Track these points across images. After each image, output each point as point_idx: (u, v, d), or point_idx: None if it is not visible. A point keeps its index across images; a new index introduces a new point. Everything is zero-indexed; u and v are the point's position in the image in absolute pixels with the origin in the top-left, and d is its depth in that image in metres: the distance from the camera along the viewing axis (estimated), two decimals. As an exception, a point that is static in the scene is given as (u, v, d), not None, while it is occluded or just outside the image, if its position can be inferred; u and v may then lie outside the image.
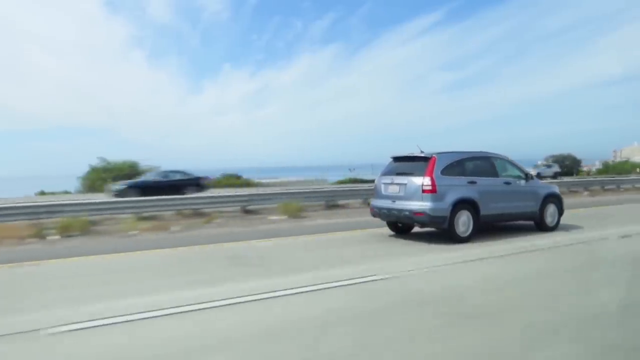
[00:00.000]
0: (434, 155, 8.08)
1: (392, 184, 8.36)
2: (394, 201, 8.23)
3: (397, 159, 8.79)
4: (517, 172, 9.03)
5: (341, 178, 42.05)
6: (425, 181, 7.75)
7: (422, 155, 8.20)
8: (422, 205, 7.72)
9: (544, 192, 9.12)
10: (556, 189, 9.50)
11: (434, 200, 7.68)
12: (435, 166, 7.88)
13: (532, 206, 8.90)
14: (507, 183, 8.64)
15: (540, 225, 9.07)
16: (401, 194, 8.12)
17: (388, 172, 8.68)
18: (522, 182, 8.88)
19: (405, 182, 8.09)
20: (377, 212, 8.66)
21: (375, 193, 8.85)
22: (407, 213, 7.92)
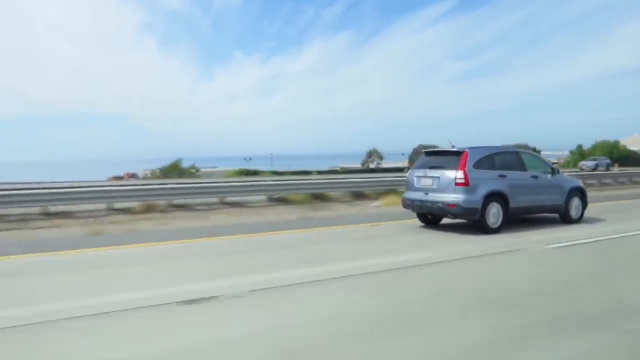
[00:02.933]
0: (466, 149, 8.44)
1: (425, 177, 8.75)
2: (427, 193, 8.62)
3: (429, 153, 9.18)
4: (544, 166, 9.40)
5: (236, 169, 40.64)
6: (459, 174, 8.13)
7: (455, 149, 8.58)
8: (455, 197, 8.11)
9: (569, 185, 9.48)
10: (580, 183, 9.85)
11: (466, 192, 8.06)
12: (467, 160, 8.25)
13: (557, 199, 9.26)
14: (535, 177, 9.00)
15: (565, 218, 9.43)
16: (434, 186, 8.51)
17: (421, 165, 9.06)
18: (549, 176, 9.24)
19: (438, 175, 8.47)
20: (410, 204, 9.05)
21: (408, 186, 9.24)
22: (440, 205, 8.32)
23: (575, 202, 9.52)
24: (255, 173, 37.41)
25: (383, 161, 61.00)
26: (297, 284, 4.93)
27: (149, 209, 12.40)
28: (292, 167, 56.78)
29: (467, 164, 8.20)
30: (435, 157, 8.97)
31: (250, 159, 58.20)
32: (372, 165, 58.52)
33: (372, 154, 61.09)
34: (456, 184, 8.13)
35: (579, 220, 9.55)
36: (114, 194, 12.70)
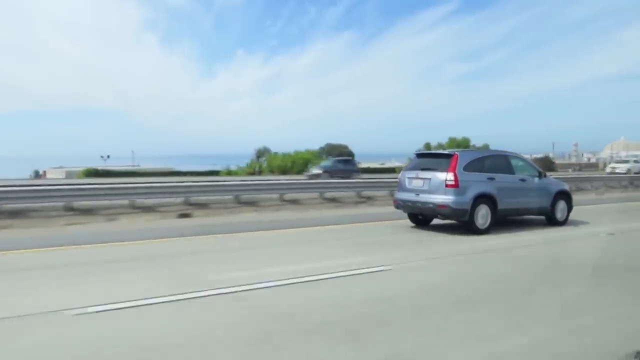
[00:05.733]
0: (456, 152, 8.71)
1: (416, 178, 8.98)
2: (418, 194, 8.86)
3: (420, 155, 9.44)
4: (531, 170, 9.69)
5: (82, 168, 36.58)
6: (449, 176, 8.38)
7: (445, 152, 8.84)
8: (445, 198, 8.35)
9: (555, 189, 9.79)
10: (566, 187, 10.16)
11: (456, 194, 8.31)
12: (457, 163, 8.50)
13: (544, 202, 9.56)
14: (523, 180, 9.28)
15: (550, 220, 9.74)
16: (425, 187, 8.75)
17: (412, 167, 9.31)
18: (536, 179, 9.53)
19: (429, 177, 8.71)
20: (401, 204, 9.29)
21: (399, 186, 9.47)
22: (430, 206, 8.56)
23: (561, 205, 9.83)
24: (108, 174, 33.36)
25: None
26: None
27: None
28: (162, 167, 48.45)
29: (457, 167, 8.44)
30: (426, 159, 9.23)
31: (109, 156, 53.42)
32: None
33: (263, 154, 52.37)
34: (446, 185, 8.38)
35: (564, 222, 9.85)
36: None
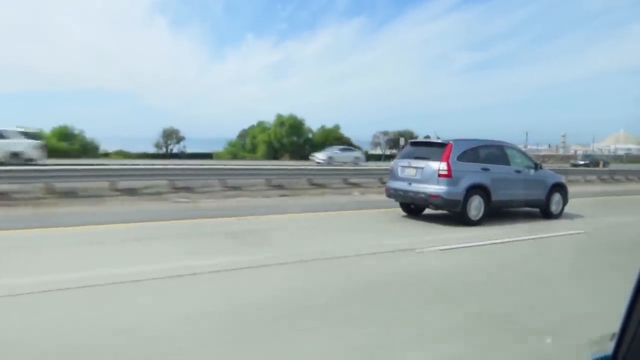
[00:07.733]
0: (450, 141, 8.47)
1: (409, 167, 8.77)
2: (410, 184, 8.65)
3: (414, 143, 9.21)
4: (527, 162, 9.47)
5: None
6: (442, 166, 8.17)
7: (439, 141, 8.60)
8: (437, 188, 8.15)
9: (551, 181, 9.59)
10: (562, 179, 9.96)
11: (449, 184, 8.10)
12: (451, 152, 8.27)
13: (539, 194, 9.37)
14: (518, 171, 9.07)
15: (545, 213, 9.55)
16: (418, 177, 8.54)
17: (405, 155, 9.08)
18: (532, 171, 9.32)
19: (422, 166, 8.50)
20: (393, 193, 9.09)
21: (391, 175, 9.26)
22: (422, 195, 8.36)
23: (556, 197, 9.63)
24: None
25: (183, 145, 48.74)
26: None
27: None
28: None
29: (450, 156, 8.22)
30: (420, 147, 9.00)
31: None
32: (175, 150, 47.16)
33: (170, 135, 47.42)
34: (439, 175, 8.16)
35: (559, 215, 9.67)
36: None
